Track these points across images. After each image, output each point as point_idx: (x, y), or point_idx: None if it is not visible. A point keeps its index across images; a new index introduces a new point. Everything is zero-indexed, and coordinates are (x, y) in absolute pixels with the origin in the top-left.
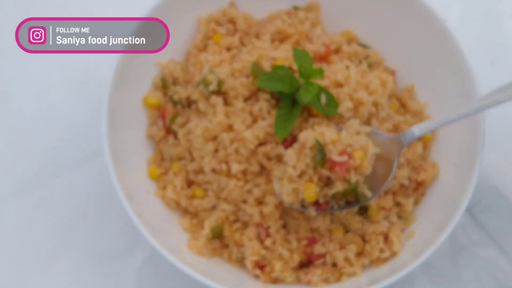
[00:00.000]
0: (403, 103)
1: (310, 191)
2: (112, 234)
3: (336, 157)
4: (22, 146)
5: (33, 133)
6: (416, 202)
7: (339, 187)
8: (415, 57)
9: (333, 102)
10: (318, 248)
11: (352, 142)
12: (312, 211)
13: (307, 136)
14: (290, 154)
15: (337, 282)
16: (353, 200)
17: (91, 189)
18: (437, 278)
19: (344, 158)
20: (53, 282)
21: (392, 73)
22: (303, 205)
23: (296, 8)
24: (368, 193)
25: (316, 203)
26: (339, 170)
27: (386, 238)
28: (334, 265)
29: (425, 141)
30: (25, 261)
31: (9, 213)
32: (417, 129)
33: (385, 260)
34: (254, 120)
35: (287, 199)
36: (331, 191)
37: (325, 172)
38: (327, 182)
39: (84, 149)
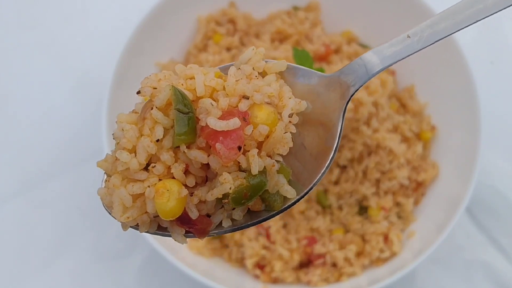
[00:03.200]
0: (403, 103)
1: (168, 197)
2: (112, 234)
3: (215, 123)
4: (23, 147)
5: (34, 133)
6: (416, 202)
7: (226, 184)
8: (415, 58)
9: None
10: (318, 248)
11: (248, 91)
12: (178, 238)
13: (153, 79)
14: (121, 121)
15: (337, 282)
16: (259, 206)
17: (91, 189)
18: (437, 278)
19: (233, 123)
20: (53, 281)
21: (392, 73)
22: (160, 226)
23: (296, 8)
24: (289, 190)
25: (183, 219)
26: (224, 150)
27: (386, 238)
28: (334, 265)
29: (425, 141)
30: (25, 261)
31: (9, 213)
32: (377, 58)
33: (385, 260)
34: None
35: (121, 217)
36: (212, 194)
37: (196, 155)
38: (205, 176)
39: (84, 149)
